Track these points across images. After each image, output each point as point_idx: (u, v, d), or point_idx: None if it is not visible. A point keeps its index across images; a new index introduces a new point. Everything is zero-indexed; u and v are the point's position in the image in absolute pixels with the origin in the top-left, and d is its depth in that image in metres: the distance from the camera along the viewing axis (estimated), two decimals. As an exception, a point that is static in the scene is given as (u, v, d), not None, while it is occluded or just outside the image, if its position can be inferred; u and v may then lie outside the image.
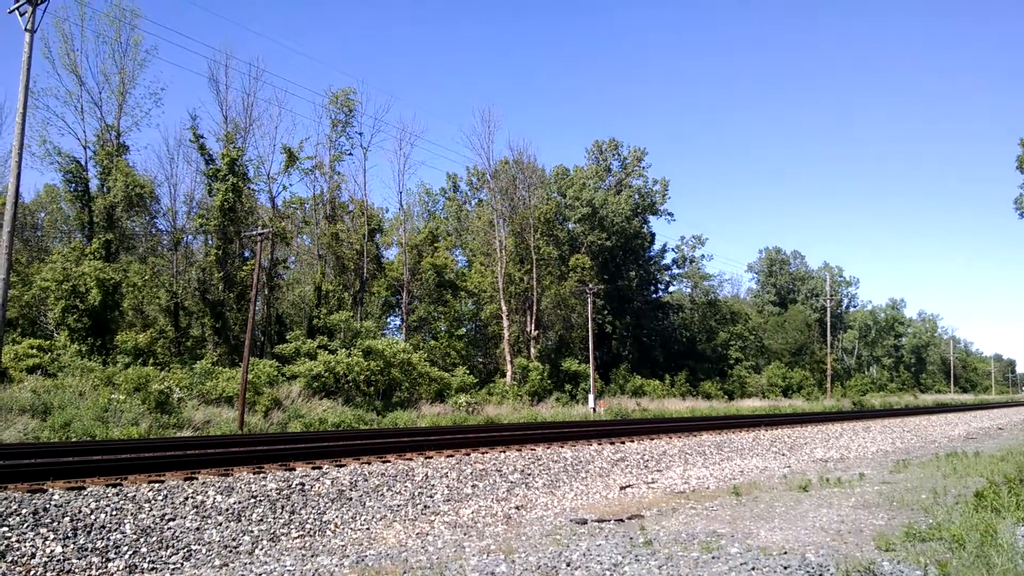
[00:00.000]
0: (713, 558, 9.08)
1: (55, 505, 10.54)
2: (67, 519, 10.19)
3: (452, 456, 18.05)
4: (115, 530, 10.23)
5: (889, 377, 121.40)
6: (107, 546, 9.78)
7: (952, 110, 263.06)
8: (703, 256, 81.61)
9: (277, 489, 12.99)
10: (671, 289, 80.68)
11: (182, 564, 9.82)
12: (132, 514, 10.79)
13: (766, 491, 16.01)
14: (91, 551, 9.58)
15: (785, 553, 9.32)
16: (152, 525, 10.62)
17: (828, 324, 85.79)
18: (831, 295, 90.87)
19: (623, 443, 23.65)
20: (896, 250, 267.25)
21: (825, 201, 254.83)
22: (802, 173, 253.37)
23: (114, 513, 10.68)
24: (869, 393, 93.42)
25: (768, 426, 34.42)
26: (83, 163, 38.33)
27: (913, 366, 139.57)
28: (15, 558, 9.04)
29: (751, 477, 19.33)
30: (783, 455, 25.54)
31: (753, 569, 8.43)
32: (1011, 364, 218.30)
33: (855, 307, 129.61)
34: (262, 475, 13.76)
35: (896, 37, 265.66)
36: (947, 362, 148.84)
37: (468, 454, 18.58)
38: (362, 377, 37.07)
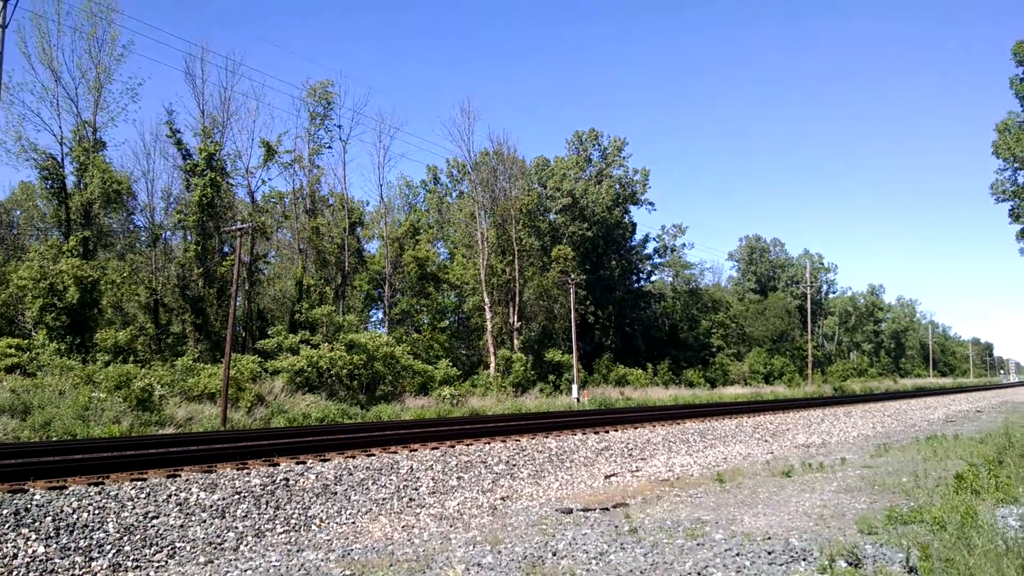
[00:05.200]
0: (698, 544, 9.14)
1: (36, 505, 10.45)
2: (49, 519, 10.10)
3: (437, 448, 18.05)
4: (98, 529, 10.15)
5: (869, 362, 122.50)
6: (90, 545, 9.71)
7: (928, 96, 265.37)
8: (684, 245, 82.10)
9: (261, 485, 12.94)
10: (653, 278, 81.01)
11: (167, 562, 9.76)
12: (115, 512, 10.72)
13: (749, 477, 16.13)
14: (74, 550, 9.51)
15: (769, 538, 9.39)
16: (135, 523, 10.55)
17: (808, 311, 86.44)
18: (811, 282, 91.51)
19: (607, 432, 23.75)
20: (875, 236, 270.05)
21: (804, 189, 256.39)
22: (781, 162, 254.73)
23: (97, 512, 10.60)
24: (850, 378, 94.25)
25: (750, 413, 34.67)
26: (59, 160, 37.87)
27: (893, 351, 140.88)
28: (-4, 559, 8.95)
29: (734, 464, 19.46)
30: (766, 441, 25.73)
31: (737, 555, 8.50)
32: (988, 348, 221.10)
33: (835, 293, 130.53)
34: (246, 471, 13.70)
35: (869, 24, 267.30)
36: (926, 347, 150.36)
37: (453, 446, 18.59)
38: (345, 371, 36.96)
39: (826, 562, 7.77)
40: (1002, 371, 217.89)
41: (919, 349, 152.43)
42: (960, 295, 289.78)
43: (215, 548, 10.41)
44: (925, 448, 20.26)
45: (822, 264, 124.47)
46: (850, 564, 7.83)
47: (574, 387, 46.72)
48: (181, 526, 10.82)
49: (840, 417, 35.94)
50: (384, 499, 13.68)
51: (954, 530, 8.47)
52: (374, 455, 16.54)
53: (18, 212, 53.28)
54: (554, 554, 8.96)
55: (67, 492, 11.16)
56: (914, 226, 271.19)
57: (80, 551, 9.53)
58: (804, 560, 8.17)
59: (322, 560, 9.37)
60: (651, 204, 74.67)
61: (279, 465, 14.56)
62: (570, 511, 12.43)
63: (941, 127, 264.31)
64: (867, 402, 50.19)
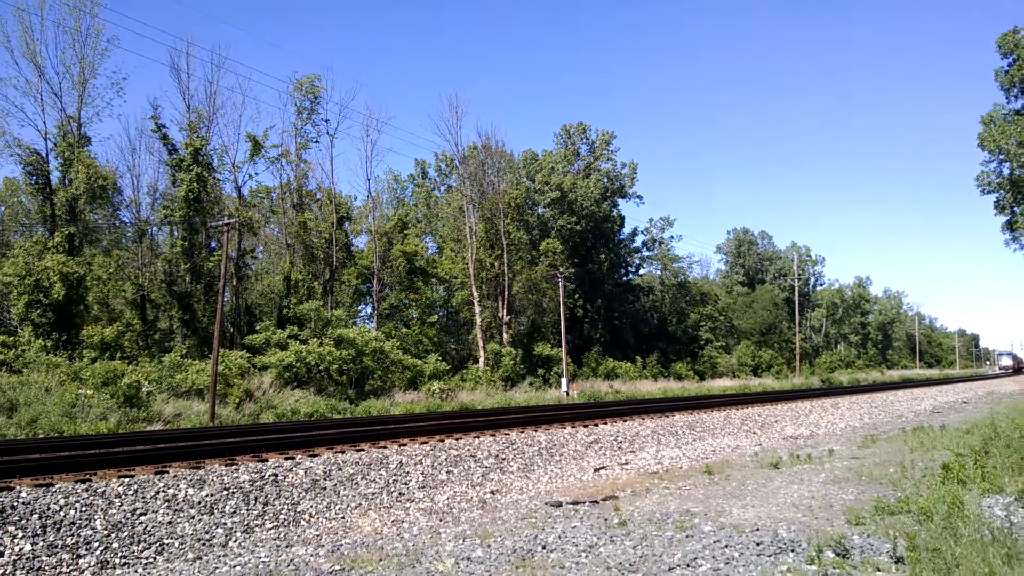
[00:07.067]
0: (687, 537, 9.17)
1: (23, 503, 10.38)
2: (36, 516, 10.04)
3: (426, 443, 18.04)
4: (85, 526, 10.10)
5: (856, 354, 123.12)
6: (78, 543, 9.66)
7: (914, 89, 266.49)
8: (672, 238, 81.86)
9: (250, 481, 12.90)
10: (641, 272, 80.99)
11: (155, 559, 9.73)
12: (102, 510, 10.66)
13: (738, 469, 16.19)
14: (61, 548, 9.46)
15: (757, 530, 9.43)
16: (123, 520, 10.50)
17: (796, 303, 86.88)
18: (798, 274, 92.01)
19: (596, 425, 23.78)
20: (862, 229, 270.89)
21: (792, 182, 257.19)
22: (768, 154, 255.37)
23: (84, 509, 10.54)
24: (837, 370, 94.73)
25: (739, 405, 34.80)
26: (44, 155, 37.57)
27: (880, 343, 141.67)
28: (-17, 558, 8.89)
29: (723, 456, 19.54)
30: (754, 433, 25.84)
31: (726, 547, 8.53)
32: (974, 339, 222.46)
33: (822, 286, 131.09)
34: (234, 467, 13.66)
35: (854, 16, 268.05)
36: (912, 338, 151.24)
37: (442, 440, 18.59)
38: (334, 366, 36.87)
39: (814, 553, 7.81)
40: (988, 362, 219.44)
41: (906, 341, 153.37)
42: (946, 287, 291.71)
43: (204, 544, 10.38)
44: (912, 439, 20.38)
45: (809, 257, 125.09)
46: (838, 555, 7.87)
47: (563, 381, 46.76)
48: (169, 523, 10.78)
49: (828, 409, 36.13)
50: (373, 494, 13.67)
51: (941, 520, 8.52)
52: (363, 450, 16.51)
53: (2, 208, 52.80)
54: (544, 547, 8.97)
55: (54, 489, 11.09)
56: (901, 219, 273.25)
57: (67, 548, 9.49)
58: (792, 551, 8.21)
59: (311, 555, 9.36)
60: (639, 198, 74.66)
61: (268, 461, 14.51)
62: (560, 504, 12.45)
63: (927, 119, 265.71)
64: (854, 394, 50.46)
